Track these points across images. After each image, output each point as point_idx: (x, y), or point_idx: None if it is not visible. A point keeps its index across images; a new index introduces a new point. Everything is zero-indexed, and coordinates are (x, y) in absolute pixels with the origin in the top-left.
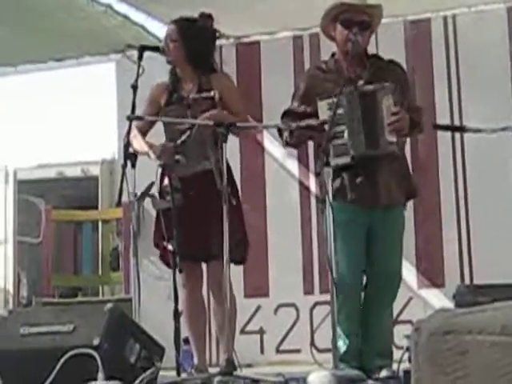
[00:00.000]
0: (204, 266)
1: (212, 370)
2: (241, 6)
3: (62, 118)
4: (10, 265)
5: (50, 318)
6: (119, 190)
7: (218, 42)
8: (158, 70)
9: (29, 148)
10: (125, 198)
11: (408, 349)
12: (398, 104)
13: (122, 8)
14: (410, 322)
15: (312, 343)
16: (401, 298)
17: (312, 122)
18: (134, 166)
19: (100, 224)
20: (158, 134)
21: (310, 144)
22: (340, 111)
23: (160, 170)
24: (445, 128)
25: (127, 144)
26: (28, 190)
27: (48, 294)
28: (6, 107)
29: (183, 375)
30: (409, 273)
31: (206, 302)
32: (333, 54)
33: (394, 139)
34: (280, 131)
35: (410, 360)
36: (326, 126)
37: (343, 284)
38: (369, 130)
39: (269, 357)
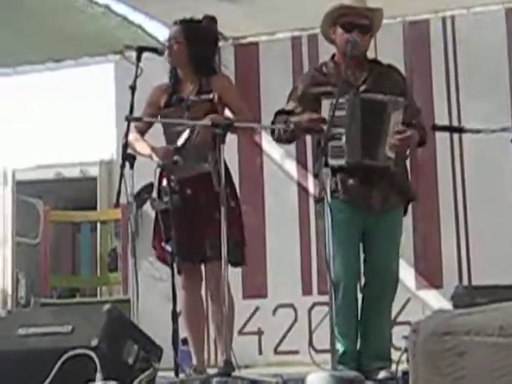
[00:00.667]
0: (203, 267)
1: (210, 371)
2: (239, 6)
3: (60, 119)
4: (8, 265)
5: (48, 318)
6: (117, 191)
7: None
8: (156, 71)
9: (27, 149)
10: (123, 199)
11: (406, 350)
12: (407, 121)
13: (121, 9)
14: (408, 323)
15: (310, 344)
16: (399, 299)
17: (312, 116)
18: (132, 166)
19: (98, 225)
20: (156, 136)
21: (309, 144)
22: (341, 113)
23: (158, 171)
24: (443, 129)
25: (125, 145)
26: (26, 190)
27: (46, 295)
28: (5, 108)
29: (181, 376)
30: (407, 274)
31: (204, 303)
32: (332, 56)
33: (392, 155)
34: (273, 123)
35: (408, 361)
36: (325, 127)
37: (338, 284)
38: (368, 139)
39: (267, 358)
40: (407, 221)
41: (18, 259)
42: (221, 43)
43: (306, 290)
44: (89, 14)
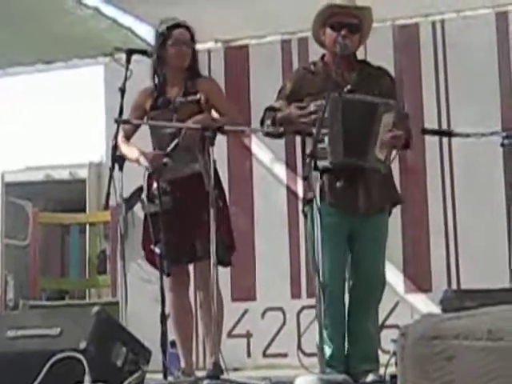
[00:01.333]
0: (191, 268)
1: (199, 374)
2: (229, 10)
3: (49, 121)
4: None
5: (36, 321)
6: (107, 193)
7: (206, 46)
8: (145, 74)
9: (16, 150)
10: (112, 201)
11: (395, 353)
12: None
13: (110, 11)
14: (396, 326)
15: (299, 347)
16: (388, 303)
17: (302, 112)
18: (121, 168)
19: (87, 227)
20: (143, 138)
21: (298, 147)
22: (326, 115)
23: (147, 174)
24: (433, 133)
25: (115, 147)
26: (15, 192)
27: (35, 297)
28: None
29: (170, 378)
30: (396, 277)
31: (193, 304)
32: (322, 57)
33: (382, 157)
34: (262, 121)
35: (396, 365)
36: (314, 130)
37: (325, 288)
38: (353, 140)
39: (256, 360)
40: (396, 225)
41: (7, 261)
42: (211, 46)
43: (295, 294)
44: (78, 16)
